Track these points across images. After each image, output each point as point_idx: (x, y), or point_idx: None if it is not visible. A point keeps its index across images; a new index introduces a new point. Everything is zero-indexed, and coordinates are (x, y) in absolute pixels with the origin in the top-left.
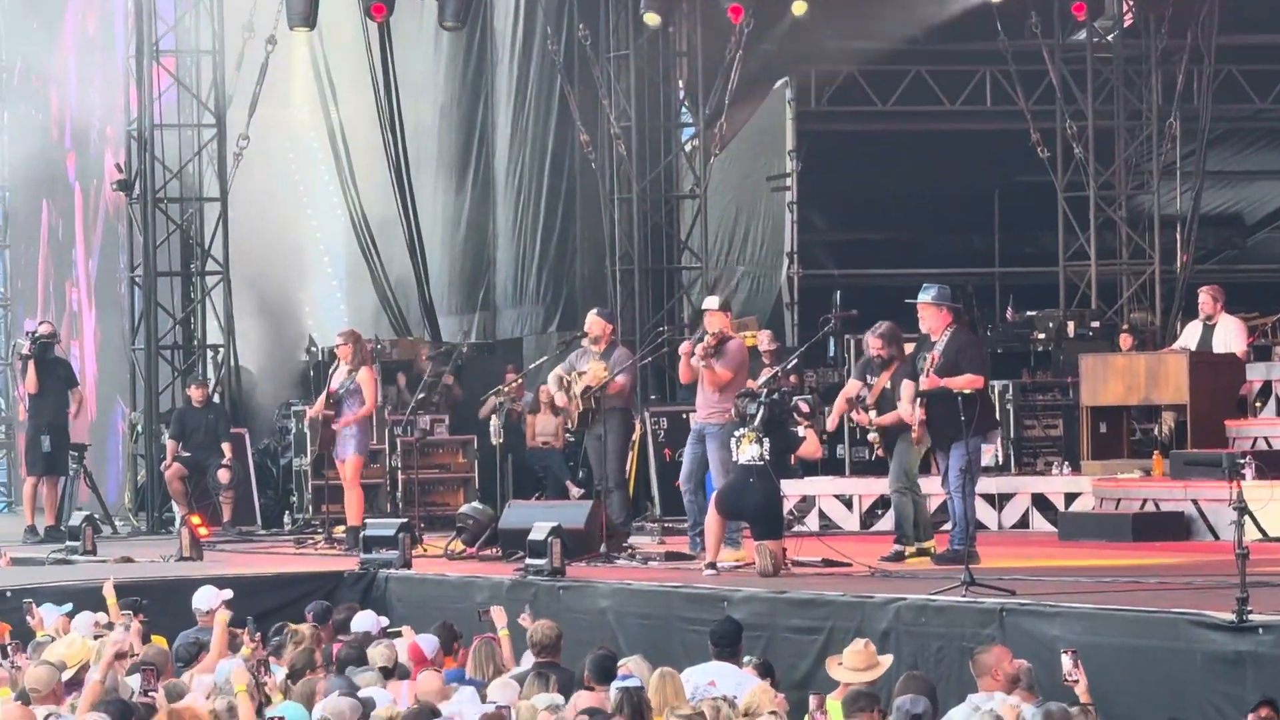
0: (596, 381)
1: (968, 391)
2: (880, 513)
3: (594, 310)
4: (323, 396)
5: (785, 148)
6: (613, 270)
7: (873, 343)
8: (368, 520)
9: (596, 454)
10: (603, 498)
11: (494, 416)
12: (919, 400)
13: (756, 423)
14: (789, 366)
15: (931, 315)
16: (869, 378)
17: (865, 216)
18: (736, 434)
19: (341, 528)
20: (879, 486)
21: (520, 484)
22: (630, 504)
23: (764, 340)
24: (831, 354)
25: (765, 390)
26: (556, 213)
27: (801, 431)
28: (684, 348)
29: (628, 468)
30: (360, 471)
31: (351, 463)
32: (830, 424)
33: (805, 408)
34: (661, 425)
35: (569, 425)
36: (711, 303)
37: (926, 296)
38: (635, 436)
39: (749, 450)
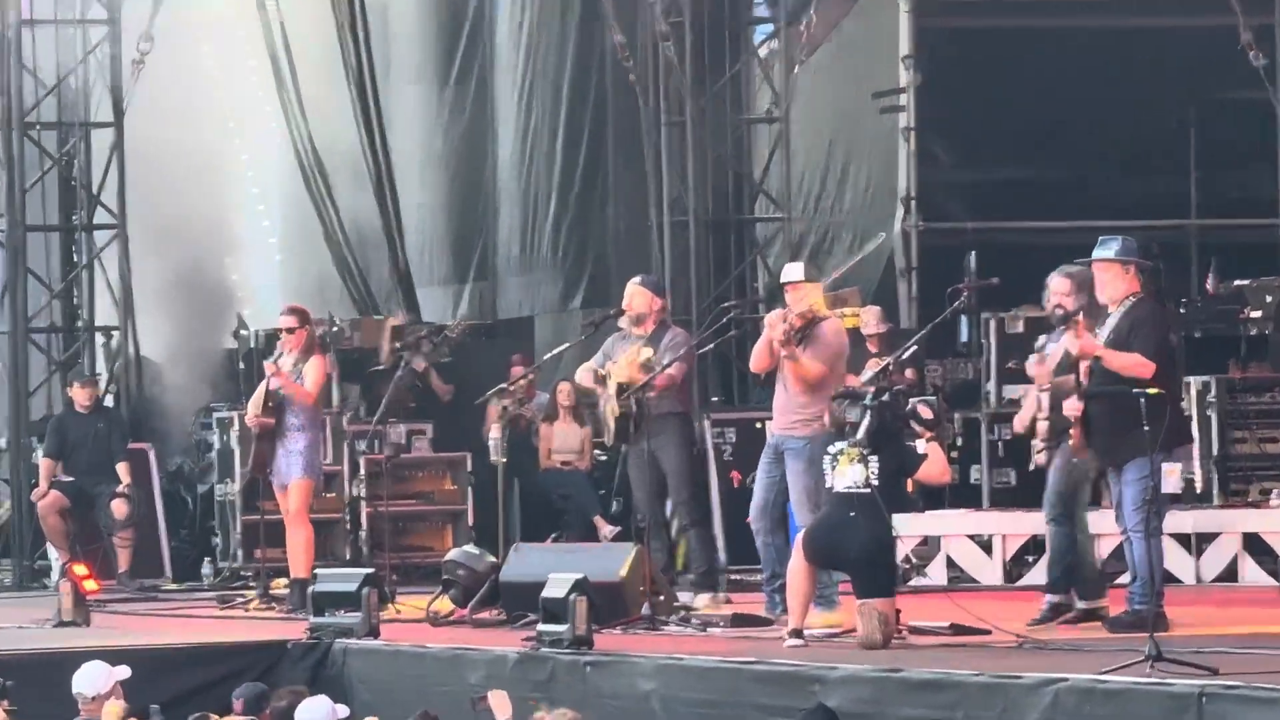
0: (635, 375)
1: (1152, 390)
2: (1031, 559)
3: (635, 279)
4: (258, 396)
5: (899, 53)
6: (659, 223)
7: (1056, 287)
8: (319, 570)
9: (640, 477)
10: (646, 538)
11: (495, 426)
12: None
13: (860, 434)
14: (905, 357)
15: (1114, 277)
16: (1049, 347)
17: (1009, 148)
18: (832, 450)
19: (283, 581)
20: (1031, 524)
21: (531, 520)
22: (709, 545)
23: (870, 320)
24: (964, 339)
25: (872, 390)
26: (580, 143)
27: (922, 446)
28: (773, 316)
29: None
30: (310, 501)
31: (298, 489)
32: (1019, 423)
33: (927, 413)
34: (726, 438)
35: (604, 437)
36: (795, 271)
37: (1107, 252)
38: None
39: (850, 473)
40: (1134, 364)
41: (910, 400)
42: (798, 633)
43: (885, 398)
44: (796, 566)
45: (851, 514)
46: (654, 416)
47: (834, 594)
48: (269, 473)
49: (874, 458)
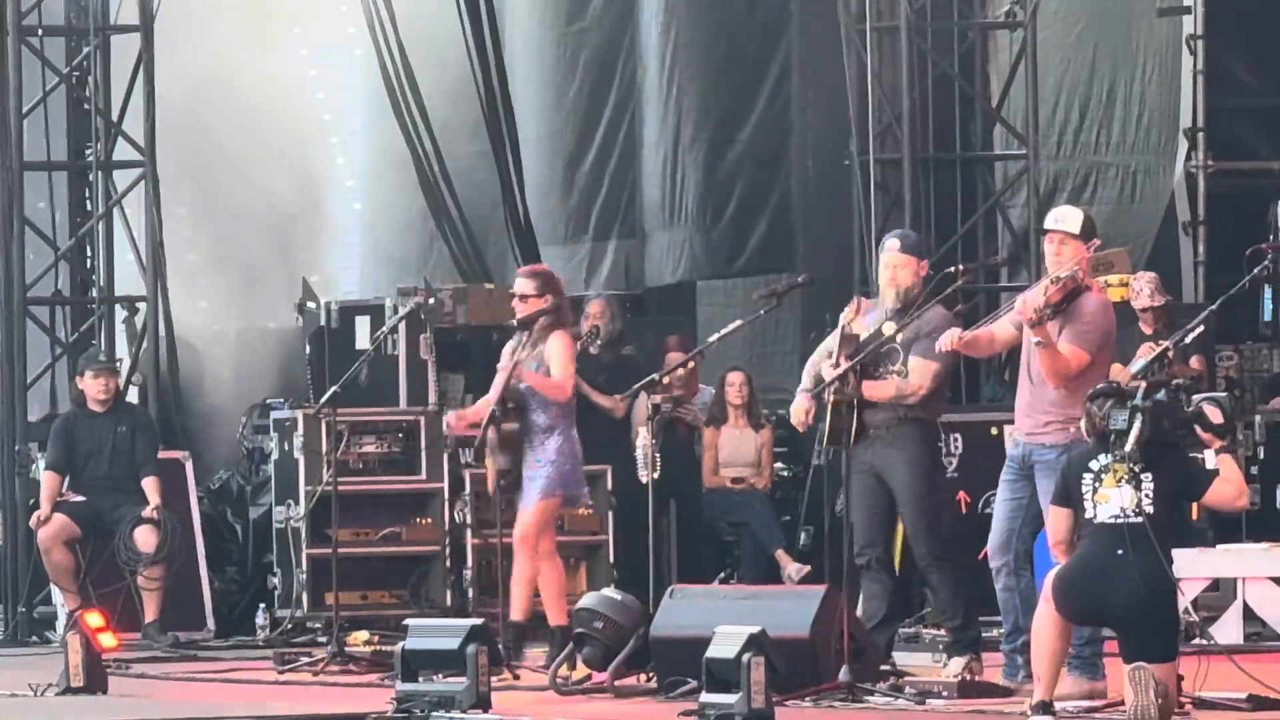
0: (887, 396)
1: None
2: None
3: (891, 242)
4: (490, 400)
5: None
6: (863, 162)
7: None
8: (410, 622)
9: (870, 499)
10: (844, 580)
11: (644, 431)
12: None
13: (1129, 445)
14: (1188, 340)
15: None
16: None
17: None
18: (1094, 467)
19: (362, 635)
20: None
21: (692, 555)
22: (961, 590)
23: (1143, 290)
24: (1269, 316)
25: (1143, 385)
26: (751, 56)
27: (1211, 459)
28: (1026, 303)
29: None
30: (551, 524)
31: (536, 512)
32: None
33: (1217, 416)
34: (952, 447)
35: (830, 439)
36: (1070, 219)
37: None
38: None
39: (1116, 497)
40: None
41: (1194, 398)
42: (1046, 706)
43: (1160, 396)
44: (1045, 619)
45: (1119, 552)
46: (887, 420)
47: (1096, 655)
48: (511, 494)
49: (1147, 476)
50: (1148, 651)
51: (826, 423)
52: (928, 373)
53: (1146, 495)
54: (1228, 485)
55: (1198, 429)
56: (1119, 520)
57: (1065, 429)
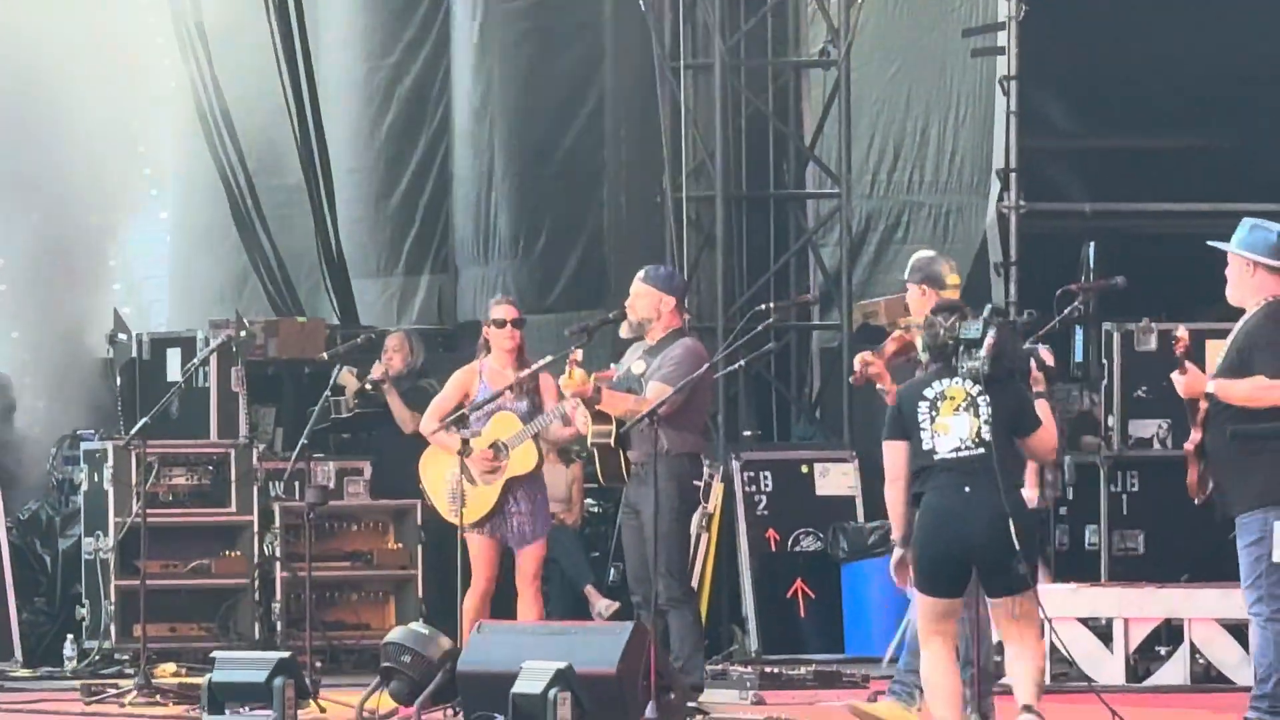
0: (624, 409)
1: None
2: (1164, 651)
3: (640, 274)
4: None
5: None
6: (676, 199)
7: None
8: (218, 654)
9: (635, 539)
10: (652, 615)
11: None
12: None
13: (984, 353)
14: None
15: (1240, 274)
16: None
17: (1146, 105)
18: (929, 394)
19: (170, 667)
20: (1164, 604)
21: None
22: (702, 630)
23: None
24: (1079, 357)
25: (989, 307)
26: (565, 92)
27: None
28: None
29: (696, 563)
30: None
31: (541, 549)
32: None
33: (1049, 357)
34: (761, 485)
35: (604, 479)
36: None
37: (1243, 244)
38: (713, 505)
39: (956, 425)
40: (1254, 394)
41: (1030, 341)
42: None
43: (1004, 321)
44: (932, 662)
45: (966, 489)
46: (652, 456)
47: (915, 684)
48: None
49: (985, 400)
50: (1009, 584)
51: (598, 466)
52: (662, 392)
53: (985, 422)
54: (1046, 435)
55: (1033, 364)
56: (960, 454)
57: None
